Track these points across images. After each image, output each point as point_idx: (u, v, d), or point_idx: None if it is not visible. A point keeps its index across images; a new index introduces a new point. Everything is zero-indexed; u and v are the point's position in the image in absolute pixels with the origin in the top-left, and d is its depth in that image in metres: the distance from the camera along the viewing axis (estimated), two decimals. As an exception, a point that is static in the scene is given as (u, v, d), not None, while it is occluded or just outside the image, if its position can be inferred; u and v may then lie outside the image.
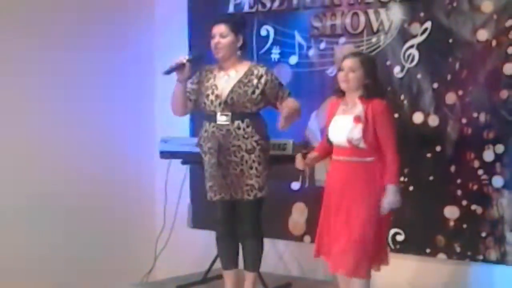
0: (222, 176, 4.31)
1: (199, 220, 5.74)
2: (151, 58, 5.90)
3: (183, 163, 5.07)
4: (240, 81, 4.28)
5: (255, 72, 4.30)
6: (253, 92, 4.25)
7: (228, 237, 4.45)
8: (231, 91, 4.26)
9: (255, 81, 4.27)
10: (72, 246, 5.50)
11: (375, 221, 3.90)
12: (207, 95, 4.31)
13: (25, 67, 5.26)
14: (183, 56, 4.29)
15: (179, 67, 4.25)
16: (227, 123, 4.25)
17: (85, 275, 5.51)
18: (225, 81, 4.31)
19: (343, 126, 3.96)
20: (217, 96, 4.28)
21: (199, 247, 5.58)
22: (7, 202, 5.17)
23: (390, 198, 3.89)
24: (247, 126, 4.26)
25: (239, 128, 4.25)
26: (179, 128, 5.45)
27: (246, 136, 4.25)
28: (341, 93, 4.05)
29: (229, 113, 4.25)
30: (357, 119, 3.92)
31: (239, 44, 4.33)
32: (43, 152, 5.37)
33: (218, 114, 4.27)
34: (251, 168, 4.26)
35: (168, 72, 4.25)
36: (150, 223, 5.93)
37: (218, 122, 4.28)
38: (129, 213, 5.93)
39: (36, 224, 5.33)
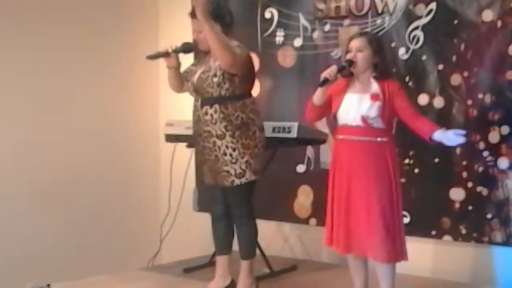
0: (201, 161, 4.34)
1: (204, 203, 5.73)
2: (156, 42, 5.89)
3: (188, 146, 5.06)
4: (209, 66, 4.21)
5: None
6: (215, 75, 4.15)
7: (220, 221, 4.41)
8: (198, 77, 4.24)
9: (217, 63, 4.17)
10: (79, 231, 5.53)
11: (396, 203, 3.88)
12: (187, 80, 4.34)
13: (29, 54, 5.28)
14: (170, 46, 4.32)
15: (163, 55, 4.30)
16: (198, 108, 4.24)
17: (92, 260, 5.53)
18: (203, 68, 4.28)
19: (357, 104, 3.87)
20: (192, 82, 4.29)
21: (205, 231, 5.53)
22: (15, 188, 5.22)
23: (449, 137, 3.77)
24: (215, 112, 4.16)
25: (206, 113, 4.19)
26: (184, 111, 5.44)
27: (214, 121, 4.17)
28: (348, 73, 3.92)
29: (199, 99, 4.23)
30: (374, 96, 3.84)
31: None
32: (48, 137, 5.40)
33: (194, 99, 4.29)
34: (224, 154, 4.17)
35: (151, 57, 4.34)
36: (156, 207, 5.94)
37: (194, 107, 4.29)
38: (134, 197, 5.95)
39: (43, 210, 5.36)
